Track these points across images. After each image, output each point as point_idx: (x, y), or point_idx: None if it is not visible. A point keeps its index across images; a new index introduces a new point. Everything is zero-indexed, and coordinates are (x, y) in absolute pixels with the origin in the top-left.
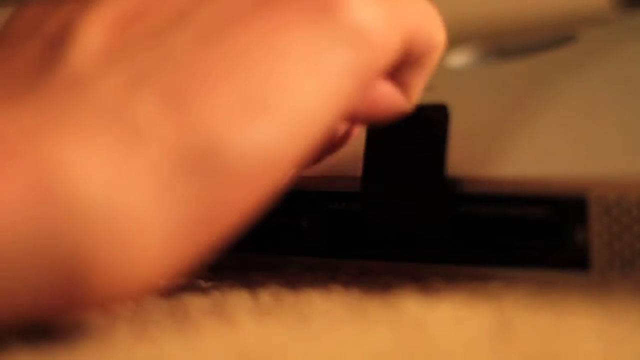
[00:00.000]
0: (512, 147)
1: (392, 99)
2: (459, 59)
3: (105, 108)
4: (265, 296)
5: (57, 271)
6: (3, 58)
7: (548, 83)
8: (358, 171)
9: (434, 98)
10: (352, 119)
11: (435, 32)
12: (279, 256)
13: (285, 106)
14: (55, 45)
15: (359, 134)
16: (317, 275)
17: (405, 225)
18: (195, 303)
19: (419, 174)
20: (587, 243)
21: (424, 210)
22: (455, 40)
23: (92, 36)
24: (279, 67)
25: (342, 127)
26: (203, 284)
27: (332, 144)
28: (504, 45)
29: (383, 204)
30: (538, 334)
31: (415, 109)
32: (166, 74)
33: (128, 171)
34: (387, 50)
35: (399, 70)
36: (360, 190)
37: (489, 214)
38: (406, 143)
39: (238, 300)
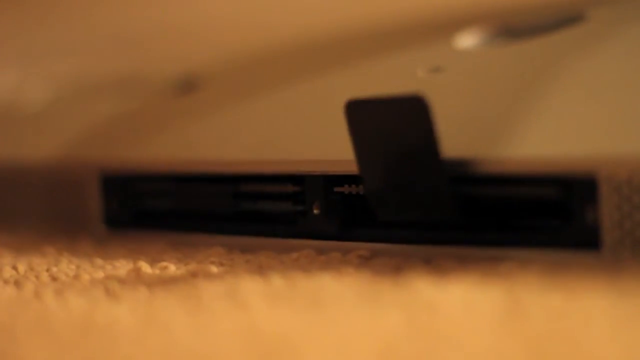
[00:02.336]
0: (522, 127)
1: None
2: (468, 39)
3: None
4: (278, 280)
5: None
6: None
7: (557, 63)
8: None
9: (442, 79)
10: None
11: None
12: (290, 239)
13: None
14: None
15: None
16: (329, 258)
17: (408, 208)
18: (208, 288)
19: (413, 160)
20: (597, 223)
21: (423, 195)
22: (463, 21)
23: None
24: None
25: None
26: (215, 268)
27: None
28: (513, 25)
29: (382, 187)
30: (549, 314)
31: (392, 99)
32: None
33: None
34: None
35: None
36: (359, 174)
37: (499, 194)
38: (390, 129)
39: (250, 284)
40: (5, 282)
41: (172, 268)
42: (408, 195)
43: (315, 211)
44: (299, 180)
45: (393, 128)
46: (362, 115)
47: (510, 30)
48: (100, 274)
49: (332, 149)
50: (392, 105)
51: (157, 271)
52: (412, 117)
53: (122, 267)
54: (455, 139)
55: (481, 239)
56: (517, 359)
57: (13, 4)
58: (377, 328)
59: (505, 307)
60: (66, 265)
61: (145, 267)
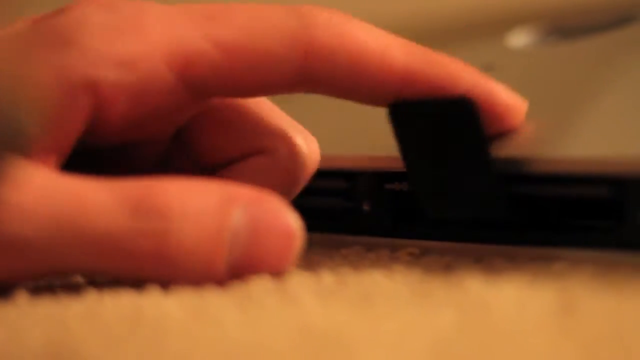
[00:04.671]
0: (574, 126)
1: None
2: (520, 38)
3: None
4: (328, 276)
5: None
6: None
7: (609, 62)
8: None
9: (495, 77)
10: None
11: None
12: (340, 235)
13: None
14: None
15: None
16: (379, 255)
17: (457, 206)
18: (258, 283)
19: (460, 160)
20: None
21: (472, 194)
22: (516, 19)
23: None
24: None
25: None
26: None
27: None
28: (566, 24)
29: (429, 186)
30: (603, 315)
31: (438, 101)
32: None
33: None
34: None
35: None
36: (406, 171)
37: (552, 194)
38: (436, 131)
39: (300, 281)
40: None
41: None
42: (456, 194)
43: (366, 208)
44: (350, 177)
45: (439, 129)
46: (408, 116)
47: (563, 29)
48: None
49: (383, 145)
50: (438, 107)
51: None
52: (459, 118)
53: None
54: (507, 137)
55: (533, 238)
56: (570, 358)
57: None
58: (428, 326)
59: (558, 307)
60: None
61: None
